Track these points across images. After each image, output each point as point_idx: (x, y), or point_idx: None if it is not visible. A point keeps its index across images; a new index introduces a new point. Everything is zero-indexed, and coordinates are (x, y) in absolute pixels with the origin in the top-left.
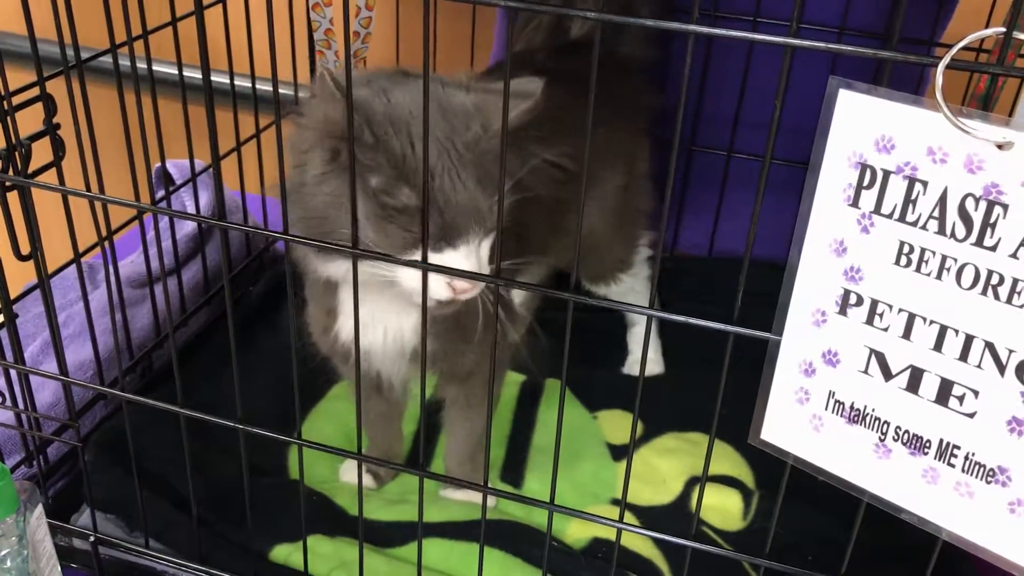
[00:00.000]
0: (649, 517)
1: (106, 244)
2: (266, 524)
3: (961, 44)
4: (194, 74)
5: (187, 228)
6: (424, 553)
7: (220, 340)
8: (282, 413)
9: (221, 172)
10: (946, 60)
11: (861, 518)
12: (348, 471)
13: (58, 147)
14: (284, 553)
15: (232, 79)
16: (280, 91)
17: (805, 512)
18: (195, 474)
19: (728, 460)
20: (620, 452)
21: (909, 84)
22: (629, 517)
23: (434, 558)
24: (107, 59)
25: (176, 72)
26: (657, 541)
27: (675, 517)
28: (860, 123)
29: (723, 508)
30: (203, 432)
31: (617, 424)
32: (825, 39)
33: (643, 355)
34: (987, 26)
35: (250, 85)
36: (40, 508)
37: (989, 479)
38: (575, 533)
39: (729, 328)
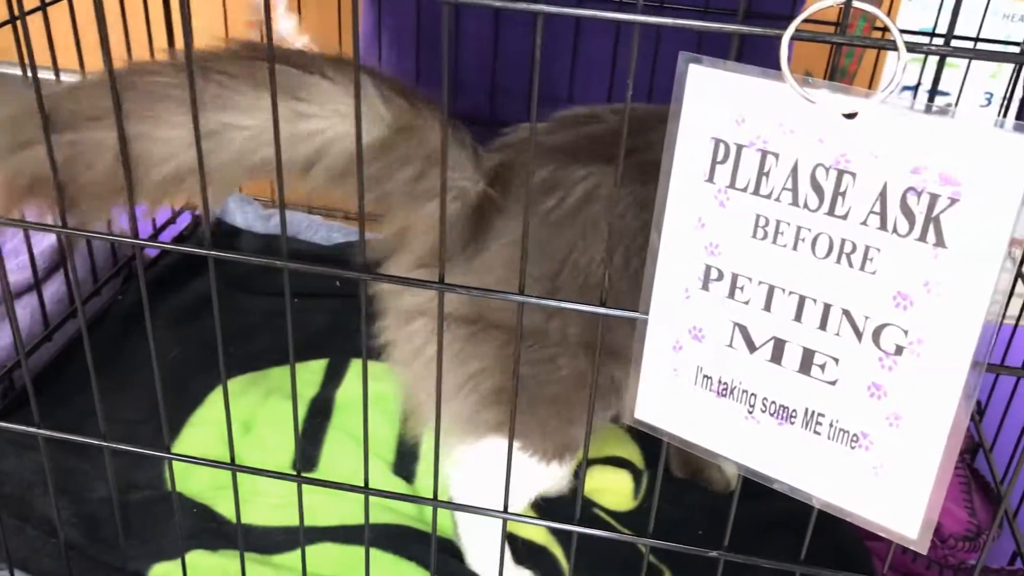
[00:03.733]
0: (542, 503)
1: None
2: (143, 543)
3: (804, 15)
4: (47, 75)
5: (48, 238)
6: (312, 559)
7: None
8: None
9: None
10: (790, 31)
11: (741, 490)
12: None
13: None
14: (163, 572)
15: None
16: None
17: (695, 487)
18: (62, 496)
19: (616, 441)
20: None
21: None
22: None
23: (322, 564)
24: None
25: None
26: (551, 527)
27: (568, 502)
28: (712, 98)
29: (614, 489)
30: (73, 450)
31: None
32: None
33: (517, 339)
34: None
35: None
36: None
37: (853, 444)
38: None
39: (598, 310)
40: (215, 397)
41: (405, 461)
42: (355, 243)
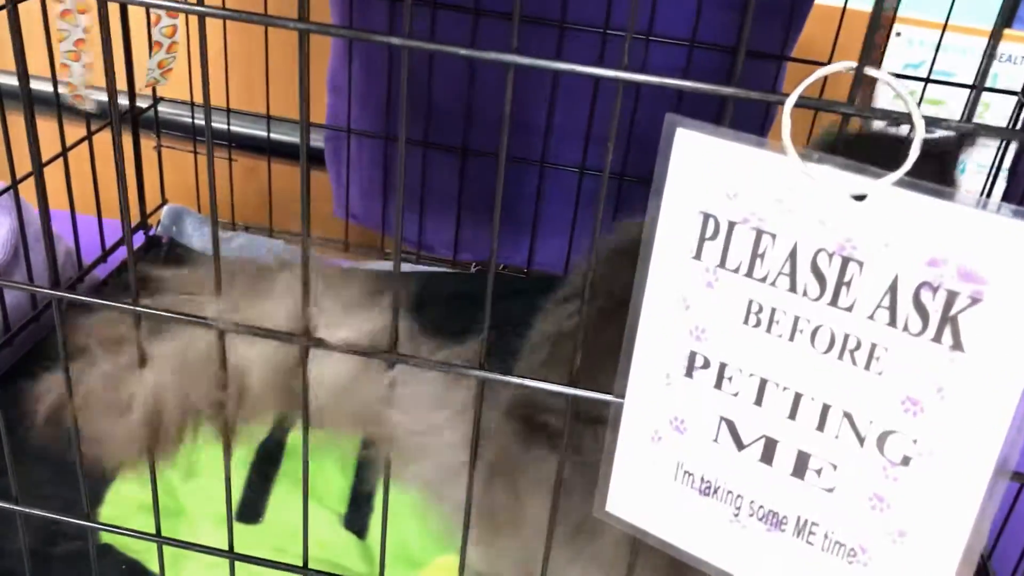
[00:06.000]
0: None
1: None
2: None
3: (808, 81)
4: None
5: None
6: None
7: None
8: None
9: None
10: (793, 98)
11: None
12: None
13: None
14: None
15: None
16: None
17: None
18: None
19: None
20: None
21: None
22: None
23: None
24: None
25: None
26: None
27: None
28: (701, 165)
29: None
30: None
31: None
32: (674, 53)
33: (476, 417)
34: (835, 39)
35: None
36: None
37: (850, 559)
38: None
39: (567, 390)
40: None
41: (358, 513)
42: None
